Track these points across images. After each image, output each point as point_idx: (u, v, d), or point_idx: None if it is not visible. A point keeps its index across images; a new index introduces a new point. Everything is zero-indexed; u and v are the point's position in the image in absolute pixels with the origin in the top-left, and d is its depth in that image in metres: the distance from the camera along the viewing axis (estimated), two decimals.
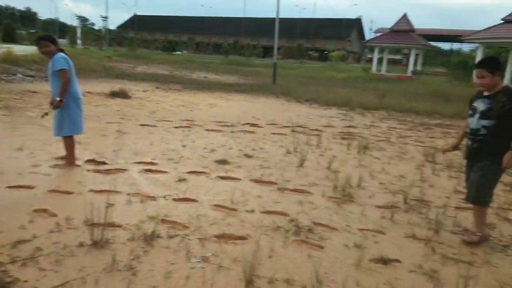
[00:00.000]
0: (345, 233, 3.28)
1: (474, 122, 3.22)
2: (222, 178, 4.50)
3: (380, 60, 32.28)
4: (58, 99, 4.31)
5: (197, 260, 2.68)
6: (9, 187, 3.77)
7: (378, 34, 33.88)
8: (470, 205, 4.01)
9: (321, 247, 2.99)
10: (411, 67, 28.52)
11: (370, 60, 37.67)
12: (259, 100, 12.38)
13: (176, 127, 7.21)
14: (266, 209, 3.65)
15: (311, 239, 3.11)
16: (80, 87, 4.74)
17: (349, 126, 8.60)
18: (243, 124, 7.99)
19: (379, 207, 3.93)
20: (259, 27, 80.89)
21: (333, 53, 41.15)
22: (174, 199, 3.76)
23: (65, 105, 4.37)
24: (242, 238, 3.04)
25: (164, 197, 3.80)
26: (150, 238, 2.91)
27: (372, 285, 2.53)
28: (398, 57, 68.69)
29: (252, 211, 3.59)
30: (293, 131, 7.64)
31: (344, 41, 75.69)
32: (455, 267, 2.80)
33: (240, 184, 4.33)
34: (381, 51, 32.01)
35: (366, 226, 3.43)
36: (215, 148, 5.86)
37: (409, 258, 2.92)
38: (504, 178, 5.24)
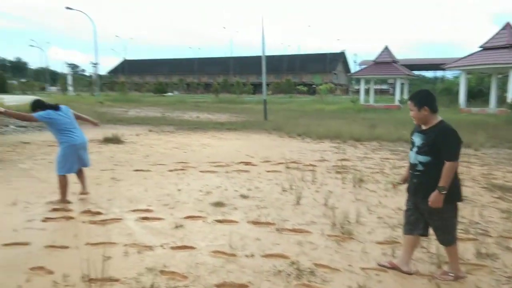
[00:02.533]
0: (348, 273, 3.24)
1: (412, 156, 3.20)
2: (219, 221, 4.46)
3: (367, 91, 33.03)
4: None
5: None
6: (5, 245, 3.69)
7: (363, 66, 34.90)
8: (468, 236, 4.02)
9: None
10: (397, 96, 29.18)
11: (357, 91, 38.51)
12: (252, 137, 12.48)
13: (170, 171, 7.20)
14: (266, 252, 3.61)
15: (313, 283, 3.06)
16: None
17: (343, 159, 8.65)
18: (237, 163, 8.01)
19: (380, 243, 3.91)
20: (246, 65, 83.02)
21: (321, 86, 42.03)
22: (172, 248, 3.70)
23: (61, 150, 5.10)
24: (243, 286, 2.99)
25: (162, 245, 3.75)
26: None
27: None
28: (384, 87, 70.46)
29: (252, 255, 3.54)
30: (287, 167, 7.67)
31: (330, 74, 77.69)
32: None
33: (237, 227, 4.30)
34: (367, 82, 32.83)
35: (368, 265, 3.40)
36: (210, 190, 5.85)
37: None
38: (500, 204, 5.30)
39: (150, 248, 3.68)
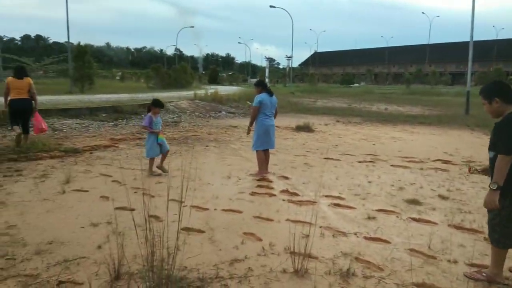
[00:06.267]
0: None
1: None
2: (415, 220, 4.23)
3: None
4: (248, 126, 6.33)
5: None
6: (224, 210, 4.47)
7: None
8: None
9: None
10: None
11: None
12: (450, 133, 11.21)
13: (359, 162, 7.20)
14: (473, 261, 3.23)
15: None
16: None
17: None
18: (433, 161, 7.36)
19: None
20: (445, 52, 74.31)
21: None
22: (365, 238, 3.73)
23: (255, 130, 6.14)
24: None
25: (355, 234, 3.82)
26: (346, 275, 2.96)
27: None
28: None
29: (455, 261, 3.23)
30: None
31: None
32: None
33: (436, 228, 3.98)
34: None
35: None
36: (403, 186, 5.58)
37: None
38: None
39: (344, 234, 3.81)
